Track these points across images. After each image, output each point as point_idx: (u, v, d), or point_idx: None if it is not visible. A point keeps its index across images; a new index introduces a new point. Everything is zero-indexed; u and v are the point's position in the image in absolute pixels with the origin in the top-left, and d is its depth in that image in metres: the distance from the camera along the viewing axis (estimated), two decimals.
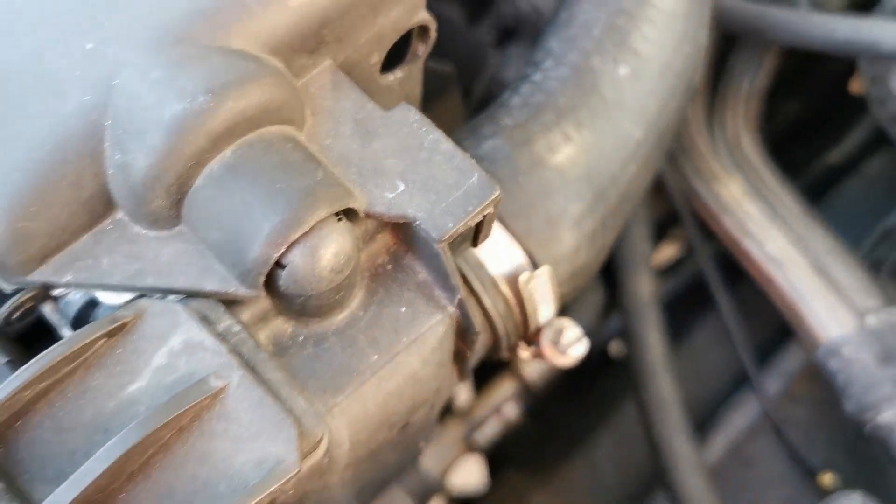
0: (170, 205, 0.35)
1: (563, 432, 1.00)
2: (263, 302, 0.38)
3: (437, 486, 0.85)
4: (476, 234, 0.41)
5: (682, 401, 0.82)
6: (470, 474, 1.03)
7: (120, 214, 0.36)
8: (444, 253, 0.38)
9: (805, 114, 1.09)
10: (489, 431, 0.86)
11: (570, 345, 0.48)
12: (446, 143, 0.39)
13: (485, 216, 0.38)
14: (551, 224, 0.48)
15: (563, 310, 0.53)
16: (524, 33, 0.89)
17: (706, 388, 0.97)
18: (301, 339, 0.39)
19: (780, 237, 0.85)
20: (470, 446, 0.86)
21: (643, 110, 0.53)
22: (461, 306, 0.40)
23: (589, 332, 0.89)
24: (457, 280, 0.39)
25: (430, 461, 0.83)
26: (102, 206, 0.35)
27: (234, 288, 0.36)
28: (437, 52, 0.75)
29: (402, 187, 0.38)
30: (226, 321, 0.36)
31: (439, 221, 0.37)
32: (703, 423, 0.94)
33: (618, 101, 0.52)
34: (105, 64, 0.34)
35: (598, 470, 0.98)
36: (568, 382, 0.97)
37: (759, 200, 0.88)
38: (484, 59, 0.90)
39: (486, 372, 0.89)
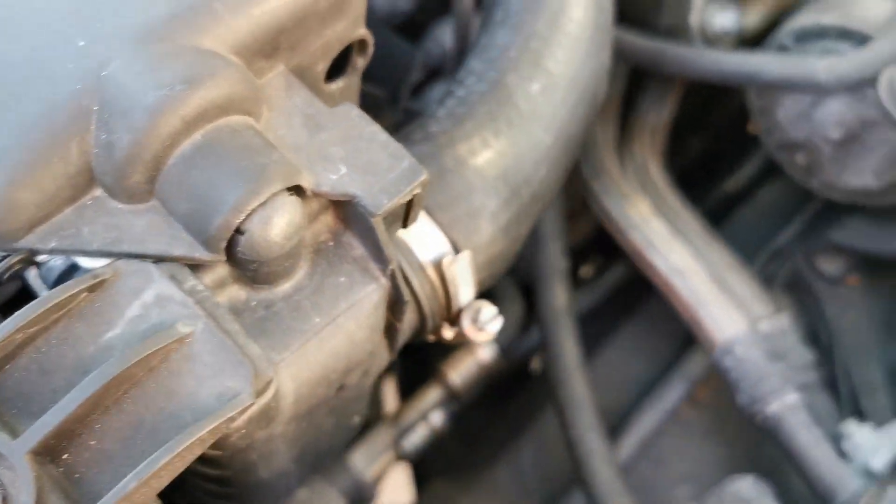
0: (145, 180, 0.41)
1: (487, 441, 1.06)
2: (222, 270, 0.44)
3: (368, 490, 0.89)
4: (406, 216, 0.47)
5: (595, 401, 0.89)
6: (398, 487, 1.08)
7: (99, 192, 0.42)
8: (379, 227, 0.45)
9: (708, 148, 1.19)
10: (416, 439, 0.91)
11: (487, 322, 0.55)
12: (382, 134, 0.46)
13: (414, 196, 0.45)
14: (472, 216, 0.55)
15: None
16: (447, 72, 0.97)
17: (617, 398, 1.05)
18: (253, 303, 0.44)
19: (682, 250, 0.93)
20: (398, 452, 0.91)
21: (553, 120, 0.61)
22: (392, 277, 0.47)
23: (509, 345, 0.96)
24: (390, 252, 0.46)
25: (360, 463, 0.88)
26: (85, 182, 0.41)
27: (200, 253, 0.41)
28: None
29: (344, 170, 0.44)
30: (191, 281, 0.41)
31: (376, 199, 0.44)
32: (615, 429, 1.01)
33: (531, 112, 0.60)
34: (95, 58, 0.40)
35: (521, 475, 1.04)
36: (492, 393, 1.04)
37: (664, 219, 0.97)
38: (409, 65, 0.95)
39: (415, 382, 0.95)
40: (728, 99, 1.14)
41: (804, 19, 0.89)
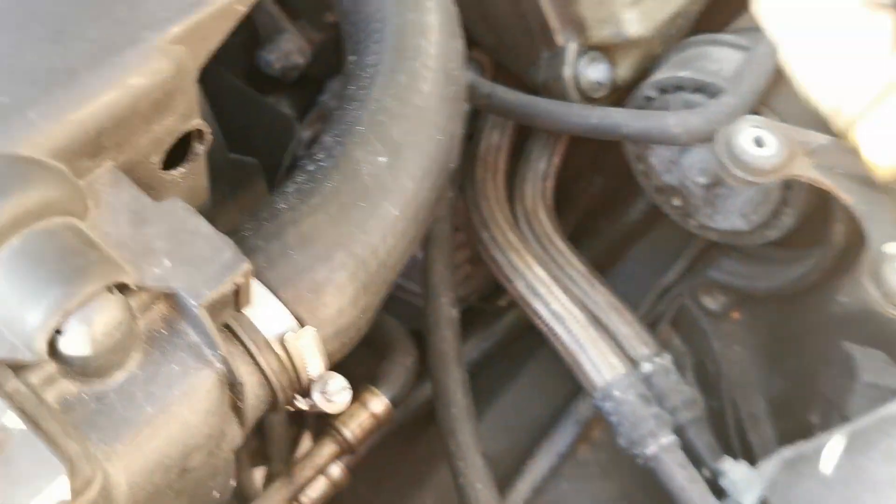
0: None
1: (388, 491, 1.08)
2: (50, 366, 0.45)
3: None
4: (236, 301, 0.49)
5: (483, 449, 0.91)
6: None
7: None
8: (204, 317, 0.46)
9: (609, 186, 1.24)
10: (314, 493, 0.92)
11: (335, 393, 0.57)
12: (206, 227, 0.48)
13: (237, 284, 0.47)
14: (316, 291, 0.57)
15: (340, 364, 0.62)
16: None
17: (517, 440, 1.07)
18: (85, 397, 0.46)
19: (564, 296, 0.97)
20: None
21: (400, 192, 0.63)
22: (225, 362, 0.49)
23: (402, 395, 0.98)
24: (217, 339, 0.48)
25: None
26: None
27: (22, 354, 0.43)
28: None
29: (167, 264, 0.46)
30: (13, 383, 0.43)
31: (197, 291, 0.46)
32: (513, 472, 1.03)
33: (377, 186, 0.62)
34: None
35: None
36: (392, 442, 1.06)
37: (549, 265, 1.00)
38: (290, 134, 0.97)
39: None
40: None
41: (663, 73, 0.93)
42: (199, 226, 0.47)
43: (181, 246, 0.47)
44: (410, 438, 1.11)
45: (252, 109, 0.91)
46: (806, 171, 0.77)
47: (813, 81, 0.79)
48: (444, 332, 0.96)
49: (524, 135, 1.09)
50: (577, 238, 1.08)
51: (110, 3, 0.47)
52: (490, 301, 1.17)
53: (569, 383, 1.08)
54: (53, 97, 0.45)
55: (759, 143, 0.77)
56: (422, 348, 1.00)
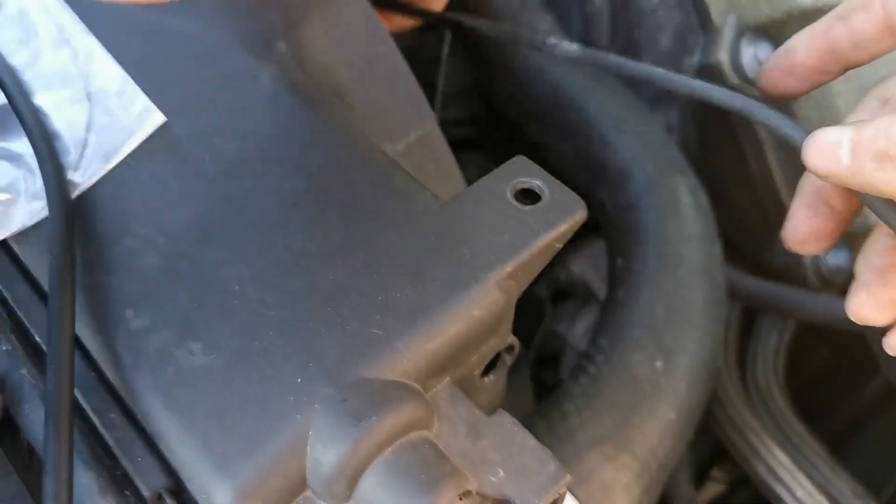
0: (346, 488, 0.51)
1: None
2: None
3: None
4: None
5: None
6: None
7: (308, 492, 0.53)
8: None
9: (833, 364, 1.23)
10: None
11: None
12: (531, 440, 0.55)
13: (560, 493, 0.54)
14: (606, 491, 0.64)
15: None
16: (576, 295, 1.07)
17: None
18: None
19: (808, 483, 0.97)
20: None
21: (675, 395, 0.69)
22: None
23: None
24: None
25: None
26: (299, 488, 0.52)
27: None
28: None
29: (501, 473, 0.54)
30: None
31: (528, 500, 0.53)
32: None
33: (654, 391, 0.69)
34: (310, 394, 0.52)
35: None
36: None
37: (789, 448, 1.01)
38: (542, 314, 1.06)
39: None
40: None
41: None
42: (525, 439, 0.55)
43: (511, 457, 0.54)
44: None
45: None
46: None
47: None
48: None
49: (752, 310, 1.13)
50: (806, 413, 1.08)
51: (456, 247, 0.57)
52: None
53: None
54: (416, 330, 0.54)
55: None
56: None
